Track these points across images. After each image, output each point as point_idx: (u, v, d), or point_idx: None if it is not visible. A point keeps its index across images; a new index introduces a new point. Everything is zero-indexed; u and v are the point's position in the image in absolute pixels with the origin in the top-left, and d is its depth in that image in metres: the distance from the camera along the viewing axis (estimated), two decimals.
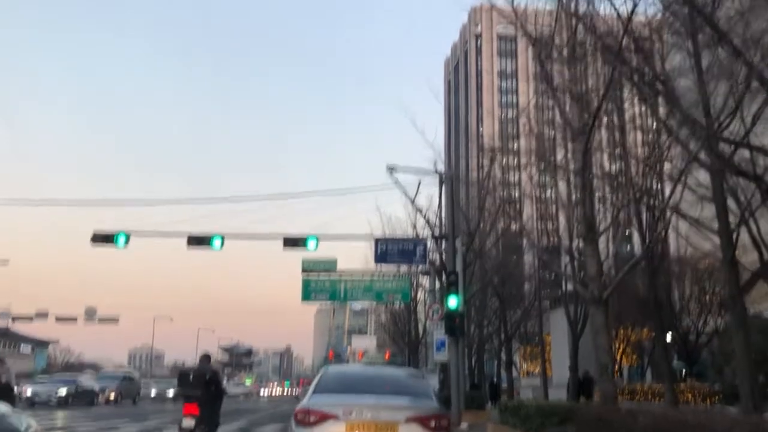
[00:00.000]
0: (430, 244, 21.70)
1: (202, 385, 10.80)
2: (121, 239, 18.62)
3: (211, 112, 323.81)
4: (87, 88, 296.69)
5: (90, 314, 43.20)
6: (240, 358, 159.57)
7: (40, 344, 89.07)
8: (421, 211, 23.85)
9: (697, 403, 22.28)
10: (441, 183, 20.18)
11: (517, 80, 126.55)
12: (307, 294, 30.25)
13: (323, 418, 6.65)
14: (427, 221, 24.17)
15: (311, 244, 18.84)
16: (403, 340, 47.29)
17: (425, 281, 34.08)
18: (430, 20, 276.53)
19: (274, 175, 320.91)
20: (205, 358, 11.88)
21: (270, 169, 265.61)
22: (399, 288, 30.70)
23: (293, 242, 18.73)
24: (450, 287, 18.00)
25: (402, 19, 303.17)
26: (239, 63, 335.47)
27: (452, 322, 17.84)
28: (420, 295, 43.41)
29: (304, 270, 29.97)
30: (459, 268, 18.62)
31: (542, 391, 39.13)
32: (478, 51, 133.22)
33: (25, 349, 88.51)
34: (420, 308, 44.17)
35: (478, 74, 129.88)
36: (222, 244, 18.66)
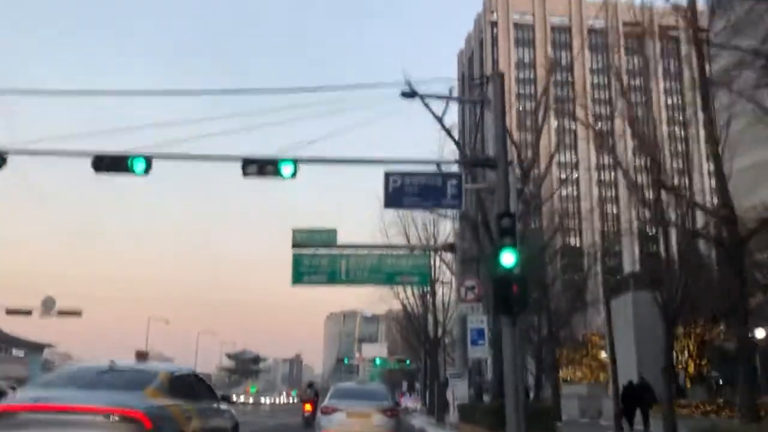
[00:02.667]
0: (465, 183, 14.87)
1: (312, 396, 24.72)
2: None
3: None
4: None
5: (48, 306, 36.88)
6: (247, 365, 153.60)
7: (34, 348, 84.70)
8: (450, 133, 16.99)
9: None
10: (482, 84, 13.60)
11: (535, 70, 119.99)
12: (299, 275, 23.53)
13: (334, 410, 13.36)
14: (458, 145, 17.36)
15: (286, 169, 12.12)
16: (419, 339, 40.21)
17: (450, 260, 27.09)
18: (442, 14, 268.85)
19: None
20: (311, 383, 26.61)
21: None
22: (415, 268, 23.77)
23: (259, 167, 12.01)
24: (504, 236, 11.21)
25: (412, 14, 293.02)
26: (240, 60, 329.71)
27: (506, 292, 11.02)
28: (440, 292, 36.67)
29: (294, 244, 23.41)
30: (514, 208, 11.84)
31: (591, 402, 32.13)
32: (494, 41, 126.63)
33: (18, 353, 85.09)
34: (437, 303, 37.39)
35: (494, 65, 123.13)
36: (147, 168, 12.02)
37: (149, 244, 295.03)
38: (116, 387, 6.87)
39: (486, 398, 20.45)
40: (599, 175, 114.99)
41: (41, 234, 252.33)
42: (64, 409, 6.26)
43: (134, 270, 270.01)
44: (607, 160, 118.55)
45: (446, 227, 34.98)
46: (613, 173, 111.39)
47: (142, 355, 8.55)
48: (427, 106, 14.43)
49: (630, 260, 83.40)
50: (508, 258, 11.20)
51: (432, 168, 14.20)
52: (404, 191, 12.96)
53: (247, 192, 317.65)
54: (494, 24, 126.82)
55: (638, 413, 21.56)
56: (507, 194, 11.95)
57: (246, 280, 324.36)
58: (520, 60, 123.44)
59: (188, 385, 7.94)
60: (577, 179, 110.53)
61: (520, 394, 11.72)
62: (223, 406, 9.20)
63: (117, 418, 6.23)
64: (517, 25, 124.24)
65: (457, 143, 18.17)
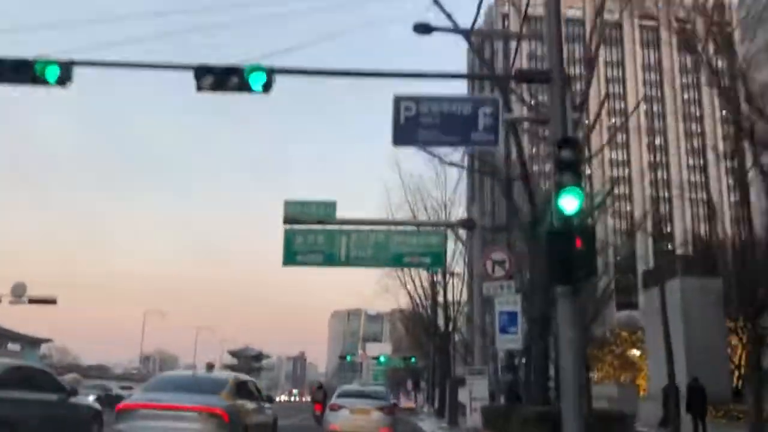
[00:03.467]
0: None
1: (322, 396, 26.18)
2: None
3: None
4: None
5: (18, 292, 33.87)
6: (249, 362, 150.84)
7: (32, 343, 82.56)
8: (480, 54, 13.45)
9: None
10: None
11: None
12: (291, 255, 20.44)
13: (340, 407, 15.81)
14: (488, 66, 13.82)
15: (256, 81, 8.86)
16: (427, 334, 36.83)
17: (467, 239, 23.70)
18: (451, 3, 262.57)
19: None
20: (321, 384, 29.02)
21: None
22: (427, 248, 20.51)
23: (217, 78, 8.78)
24: (564, 171, 7.91)
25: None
26: None
27: (566, 250, 7.74)
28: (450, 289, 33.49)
29: (286, 219, 20.35)
30: (570, 127, 8.56)
31: (622, 404, 28.52)
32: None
33: (14, 347, 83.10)
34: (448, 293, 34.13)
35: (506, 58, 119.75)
36: (64, 77, 8.79)
37: (148, 242, 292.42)
38: (201, 391, 9.42)
39: (502, 401, 17.48)
40: (612, 172, 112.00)
41: (37, 232, 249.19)
42: (168, 407, 8.84)
43: (133, 268, 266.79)
44: (620, 155, 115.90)
45: (459, 211, 31.93)
46: (627, 169, 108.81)
47: (210, 366, 11.49)
48: (450, 17, 11.13)
49: (643, 259, 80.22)
50: (569, 202, 7.88)
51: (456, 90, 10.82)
52: (420, 122, 9.66)
53: (249, 191, 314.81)
54: (506, 16, 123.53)
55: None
56: (564, 117, 8.63)
57: (248, 280, 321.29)
58: (532, 52, 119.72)
59: (246, 389, 10.70)
60: (590, 176, 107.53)
61: (581, 396, 8.39)
62: (266, 404, 11.90)
63: (206, 414, 8.78)
64: (529, 18, 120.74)
65: (487, 64, 14.77)
